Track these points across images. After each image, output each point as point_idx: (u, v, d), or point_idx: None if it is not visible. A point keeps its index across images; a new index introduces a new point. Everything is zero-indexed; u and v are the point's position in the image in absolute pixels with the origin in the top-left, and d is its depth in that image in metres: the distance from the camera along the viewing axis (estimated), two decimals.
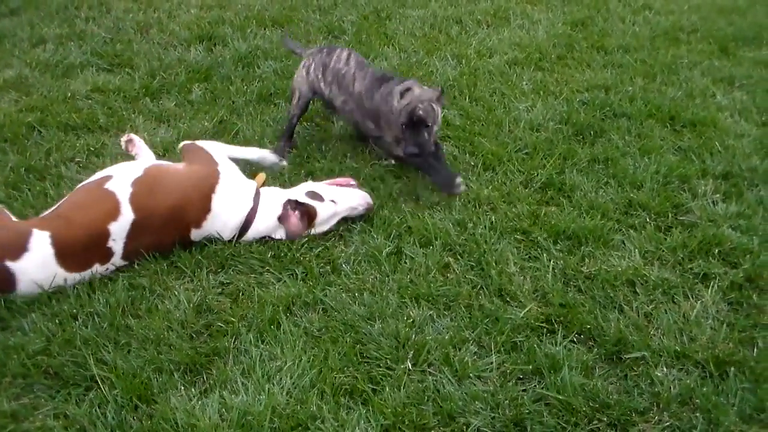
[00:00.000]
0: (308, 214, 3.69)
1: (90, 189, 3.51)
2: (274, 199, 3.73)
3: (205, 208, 3.57)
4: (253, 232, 3.69)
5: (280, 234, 3.71)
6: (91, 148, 4.40)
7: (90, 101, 4.97)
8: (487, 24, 6.64)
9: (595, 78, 5.55)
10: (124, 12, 6.49)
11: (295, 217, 3.66)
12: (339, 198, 3.79)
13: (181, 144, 4.00)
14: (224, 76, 5.38)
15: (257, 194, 3.73)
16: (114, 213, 3.36)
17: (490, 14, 6.82)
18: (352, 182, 3.97)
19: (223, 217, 3.62)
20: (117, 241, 3.38)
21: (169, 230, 3.51)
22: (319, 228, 3.76)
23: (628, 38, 6.35)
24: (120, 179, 3.47)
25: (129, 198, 3.40)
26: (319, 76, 4.46)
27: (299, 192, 3.79)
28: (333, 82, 4.41)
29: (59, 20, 6.24)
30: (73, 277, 3.32)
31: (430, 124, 3.97)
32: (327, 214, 3.75)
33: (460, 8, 6.97)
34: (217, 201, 3.59)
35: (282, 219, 3.67)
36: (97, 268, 3.38)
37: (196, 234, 3.60)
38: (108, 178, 3.50)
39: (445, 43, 6.14)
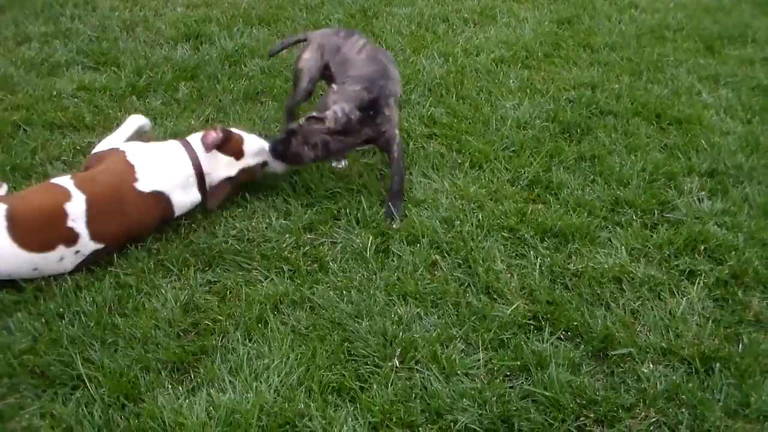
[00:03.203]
0: (232, 136, 3.91)
1: (39, 185, 3.66)
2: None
3: (129, 167, 3.63)
4: (213, 176, 3.86)
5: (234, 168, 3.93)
6: (77, 147, 4.37)
7: (76, 100, 4.94)
8: (474, 22, 6.64)
9: (581, 76, 5.57)
10: (110, 10, 6.45)
11: (212, 133, 3.84)
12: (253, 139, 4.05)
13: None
14: (211, 75, 5.35)
15: (187, 143, 3.88)
16: (65, 195, 3.40)
17: (476, 12, 6.82)
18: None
19: (152, 168, 3.67)
20: (78, 222, 3.37)
21: (122, 197, 3.54)
22: (250, 150, 3.98)
23: (614, 36, 6.36)
24: (60, 177, 3.57)
25: (74, 184, 3.46)
26: (331, 59, 4.37)
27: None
28: (337, 65, 4.37)
29: (44, 18, 6.20)
30: (36, 258, 3.29)
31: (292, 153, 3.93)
32: (251, 141, 4.00)
33: (447, 6, 6.97)
34: (133, 159, 3.68)
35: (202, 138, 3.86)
36: (66, 251, 3.36)
37: (143, 185, 3.60)
38: (49, 179, 3.63)
39: (432, 41, 6.14)
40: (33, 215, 3.31)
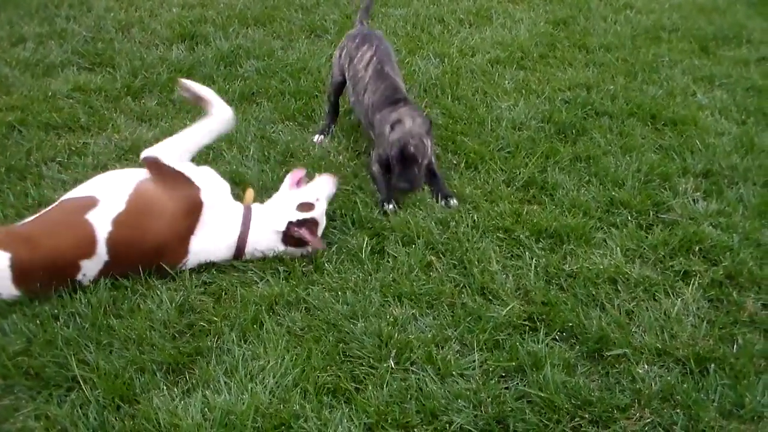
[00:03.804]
0: (316, 226, 3.66)
1: (70, 213, 3.33)
2: (266, 215, 3.62)
3: (184, 251, 3.44)
4: (250, 253, 3.57)
5: (289, 250, 3.62)
6: (73, 148, 4.37)
7: (71, 100, 4.94)
8: (470, 23, 6.65)
9: (576, 77, 5.58)
10: (105, 11, 6.45)
11: (308, 233, 3.58)
12: (320, 194, 3.75)
13: (142, 156, 3.62)
14: (206, 75, 5.35)
15: (247, 216, 3.59)
16: (88, 251, 3.24)
17: (472, 13, 6.83)
18: (302, 172, 3.91)
19: (206, 250, 3.49)
20: (87, 276, 3.28)
21: (144, 266, 3.37)
22: (322, 227, 3.73)
23: (609, 37, 6.38)
24: (103, 211, 3.28)
25: (107, 238, 3.25)
26: (346, 65, 4.63)
27: (290, 210, 3.65)
28: (351, 78, 4.57)
29: (39, 19, 6.20)
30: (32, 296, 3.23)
31: (420, 160, 4.01)
32: (323, 214, 3.71)
33: (443, 7, 6.98)
34: (197, 242, 3.45)
35: (300, 240, 3.58)
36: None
37: (170, 268, 3.46)
38: (92, 203, 3.32)
39: (427, 42, 6.15)
40: (41, 265, 3.15)
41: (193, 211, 3.44)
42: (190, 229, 3.43)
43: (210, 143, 3.90)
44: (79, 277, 3.27)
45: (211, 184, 3.58)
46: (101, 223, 3.26)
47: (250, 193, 3.78)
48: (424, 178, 4.12)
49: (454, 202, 4.02)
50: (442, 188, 4.11)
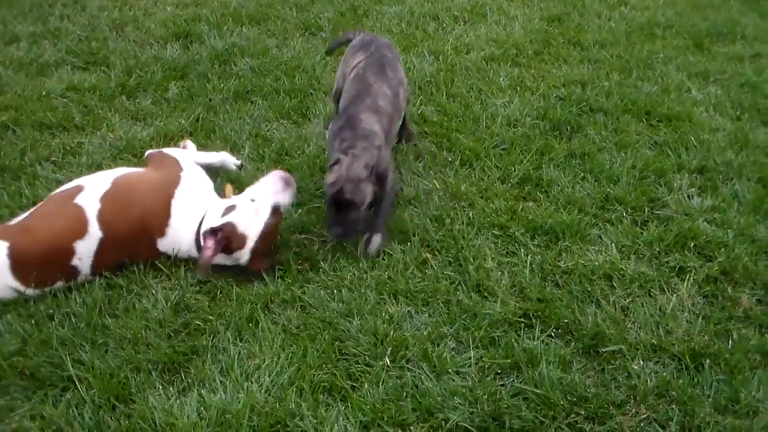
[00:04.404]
0: (229, 234, 3.38)
1: (59, 201, 3.41)
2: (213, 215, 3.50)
3: (167, 214, 3.46)
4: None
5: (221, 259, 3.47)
6: (67, 147, 4.36)
7: (65, 100, 4.93)
8: (464, 20, 6.64)
9: (571, 73, 5.57)
10: (99, 9, 6.43)
11: (211, 245, 3.32)
12: (256, 193, 3.54)
13: (146, 153, 3.94)
14: (201, 74, 5.34)
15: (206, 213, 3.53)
16: (81, 231, 3.28)
17: (466, 10, 6.82)
18: (283, 173, 3.65)
19: (181, 225, 3.48)
20: (83, 260, 3.30)
21: (137, 243, 3.42)
22: (254, 229, 3.43)
23: (604, 34, 6.37)
24: (90, 193, 3.38)
25: (97, 215, 3.31)
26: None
27: (216, 215, 3.46)
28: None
29: (33, 18, 6.18)
30: (35, 291, 3.25)
31: (359, 204, 3.56)
32: (248, 217, 3.43)
33: (437, 4, 6.96)
34: (176, 206, 3.48)
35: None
36: (62, 285, 3.30)
37: (162, 244, 3.47)
38: (79, 189, 3.41)
39: (422, 39, 6.14)
40: (38, 253, 3.19)
41: (173, 179, 3.58)
42: (170, 193, 3.51)
43: (208, 163, 4.05)
44: (76, 262, 3.28)
45: (196, 169, 3.77)
46: (90, 202, 3.35)
47: (229, 188, 3.77)
48: (362, 222, 3.66)
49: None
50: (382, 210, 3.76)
